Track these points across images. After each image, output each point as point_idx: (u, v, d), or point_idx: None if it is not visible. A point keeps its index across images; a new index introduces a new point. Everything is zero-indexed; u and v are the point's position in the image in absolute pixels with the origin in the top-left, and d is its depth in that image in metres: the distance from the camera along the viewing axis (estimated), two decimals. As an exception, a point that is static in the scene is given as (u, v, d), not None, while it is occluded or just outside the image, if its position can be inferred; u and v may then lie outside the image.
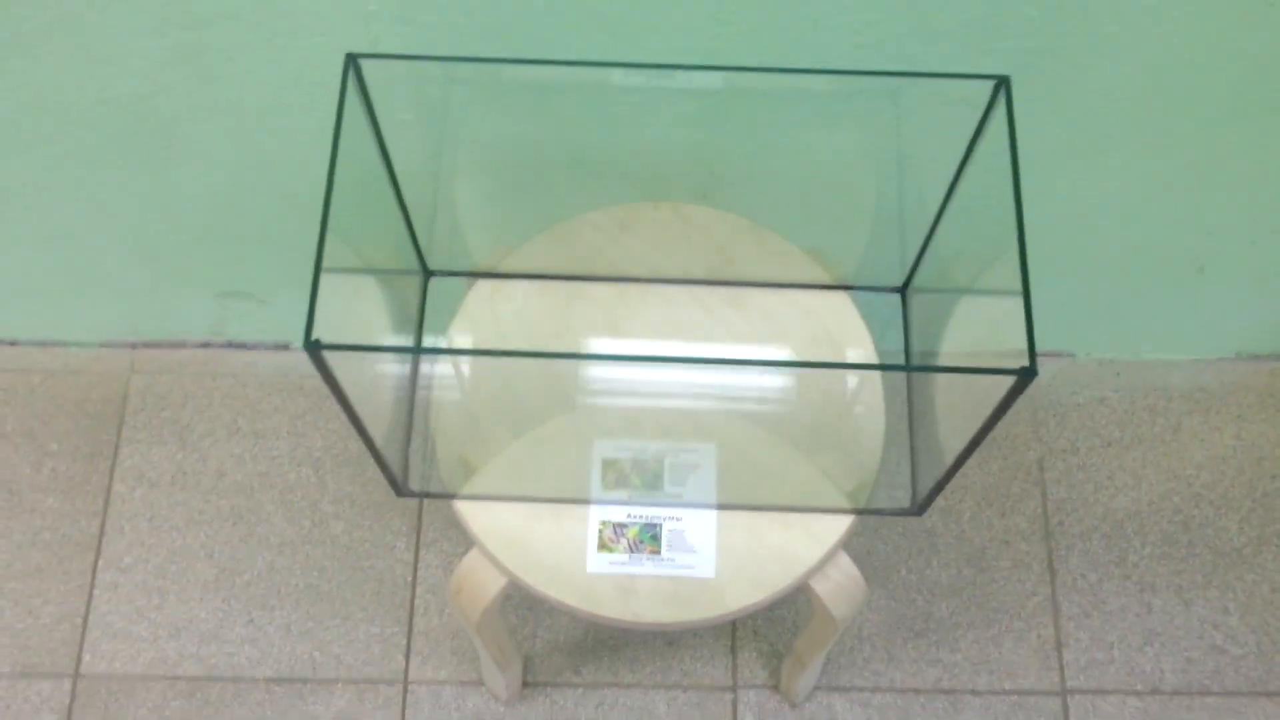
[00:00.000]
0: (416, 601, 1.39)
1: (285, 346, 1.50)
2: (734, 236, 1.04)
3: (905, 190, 1.02)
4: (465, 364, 1.01)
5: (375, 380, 0.91)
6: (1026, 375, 0.69)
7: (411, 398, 0.98)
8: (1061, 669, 1.37)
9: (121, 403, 1.48)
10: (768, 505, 0.94)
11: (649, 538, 0.94)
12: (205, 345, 1.50)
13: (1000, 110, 0.77)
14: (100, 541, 1.41)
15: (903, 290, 1.03)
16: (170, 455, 1.45)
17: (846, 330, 1.01)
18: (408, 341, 1.02)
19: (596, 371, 0.99)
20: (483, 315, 1.02)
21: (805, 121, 1.04)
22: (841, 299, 1.02)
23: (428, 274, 1.04)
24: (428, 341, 1.03)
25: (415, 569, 1.41)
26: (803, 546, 0.94)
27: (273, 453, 1.46)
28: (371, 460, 0.92)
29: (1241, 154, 1.12)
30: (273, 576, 1.40)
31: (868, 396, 0.98)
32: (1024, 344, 0.70)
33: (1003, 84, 0.77)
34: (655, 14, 0.93)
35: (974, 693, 1.36)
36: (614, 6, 0.92)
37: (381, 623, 1.38)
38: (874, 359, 1.00)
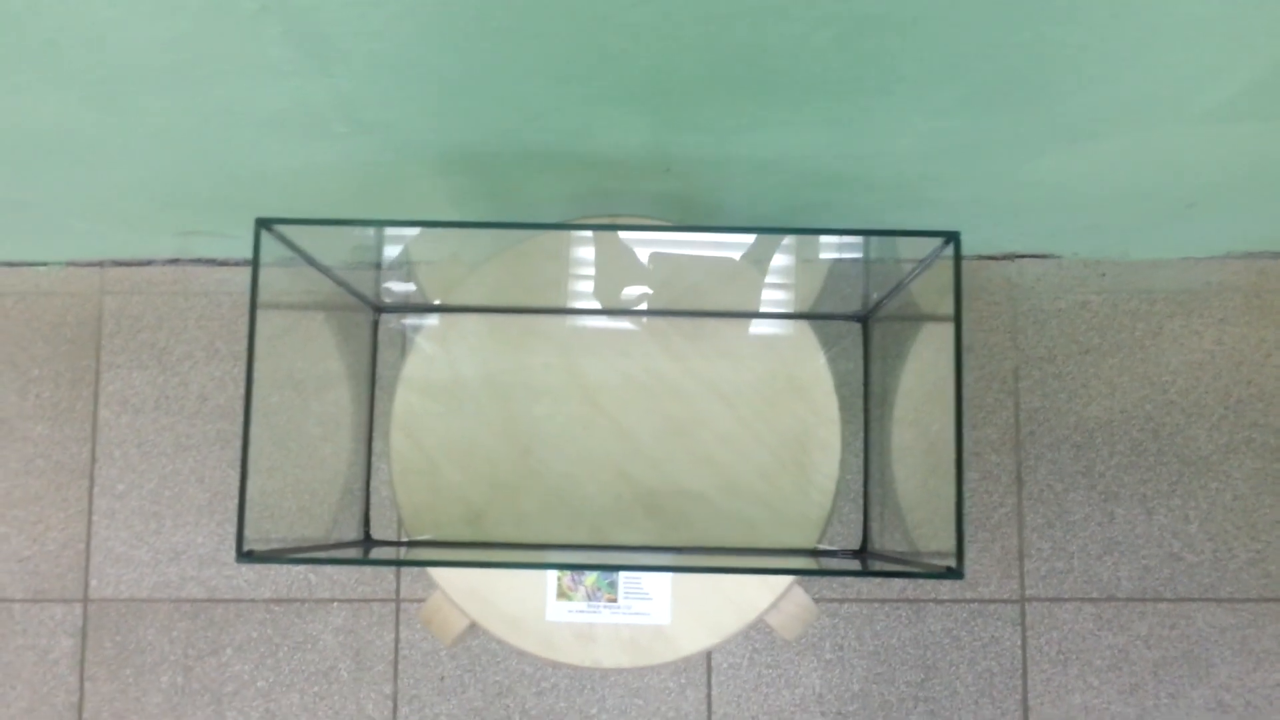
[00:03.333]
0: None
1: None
2: (693, 262, 1.00)
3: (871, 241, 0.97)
4: (420, 411, 1.01)
5: (333, 426, 0.92)
6: (953, 577, 0.69)
7: (369, 442, 0.98)
8: (1022, 577, 1.43)
9: (96, 325, 1.48)
10: (724, 568, 0.96)
11: (606, 585, 0.97)
12: (174, 262, 1.48)
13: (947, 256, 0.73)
14: (93, 469, 1.46)
15: (864, 320, 1.01)
16: (151, 380, 1.47)
17: (804, 360, 0.99)
18: (362, 385, 1.01)
19: (553, 412, 0.98)
20: (435, 354, 1.00)
21: (769, 129, 0.98)
22: (802, 329, 1.00)
23: (377, 311, 1.02)
24: (381, 381, 1.02)
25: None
26: (756, 591, 0.97)
27: (252, 375, 1.47)
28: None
29: (1235, 143, 1.06)
30: (264, 500, 1.44)
31: (824, 435, 0.98)
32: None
33: (951, 239, 0.72)
34: (598, 52, 0.86)
35: (936, 601, 1.43)
36: (550, 59, 0.85)
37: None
38: (831, 391, 0.99)
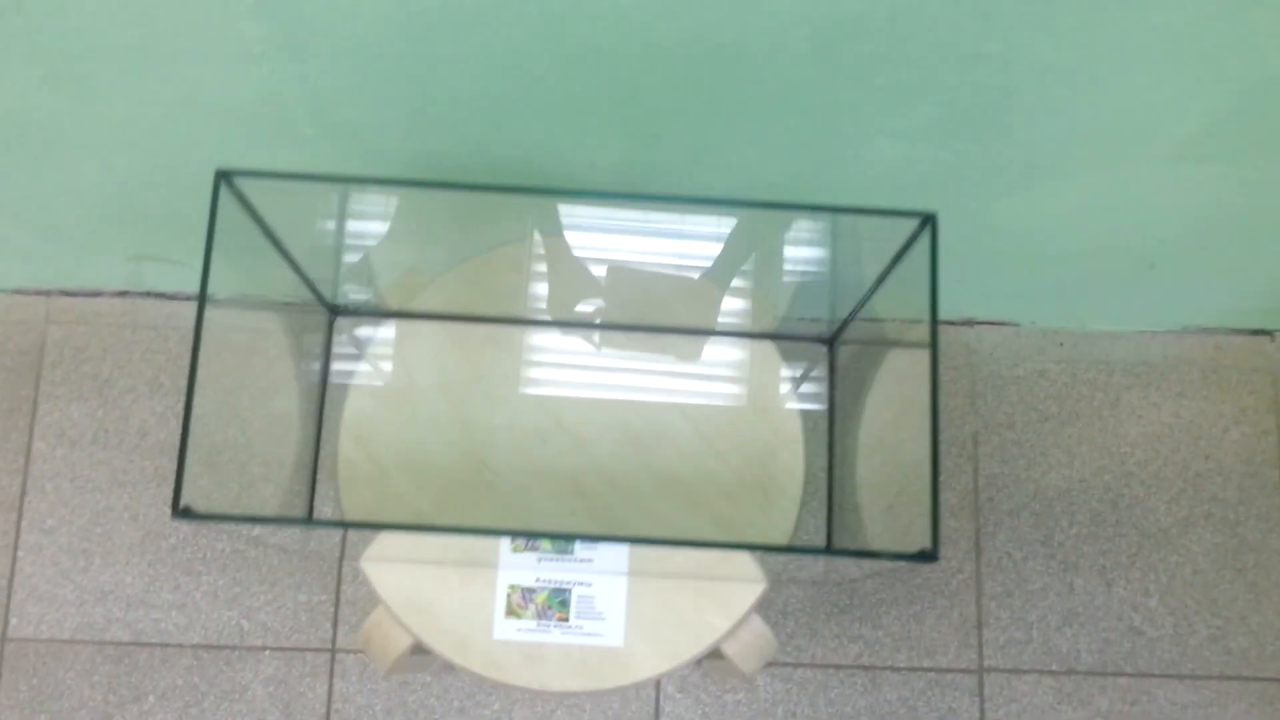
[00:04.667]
0: (345, 569, 1.39)
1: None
2: (658, 279, 0.99)
3: (841, 240, 0.97)
4: (371, 418, 0.98)
5: (282, 416, 0.88)
6: (927, 560, 0.66)
7: (315, 453, 0.95)
8: (980, 647, 1.40)
9: (38, 355, 1.44)
10: (679, 574, 0.93)
11: (558, 603, 0.93)
12: (123, 294, 1.45)
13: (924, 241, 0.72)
14: (22, 502, 1.39)
15: (830, 342, 0.99)
16: (91, 412, 1.42)
17: (769, 381, 0.97)
18: (312, 384, 0.98)
19: (510, 420, 0.95)
20: (390, 362, 0.97)
21: (746, 145, 0.98)
22: (767, 349, 0.98)
23: (333, 312, 0.99)
24: (333, 382, 0.99)
25: (344, 535, 1.40)
26: (713, 614, 0.93)
27: (196, 412, 1.42)
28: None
29: (1190, 182, 1.07)
30: (199, 541, 1.39)
31: (787, 455, 0.96)
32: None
33: (928, 221, 0.71)
34: (575, 73, 0.86)
35: (893, 669, 1.39)
36: (532, 81, 0.85)
37: (309, 590, 1.38)
38: (795, 413, 0.97)
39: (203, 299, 0.69)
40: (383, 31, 0.82)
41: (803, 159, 0.99)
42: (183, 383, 1.43)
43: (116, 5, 0.80)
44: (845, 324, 0.96)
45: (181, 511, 0.64)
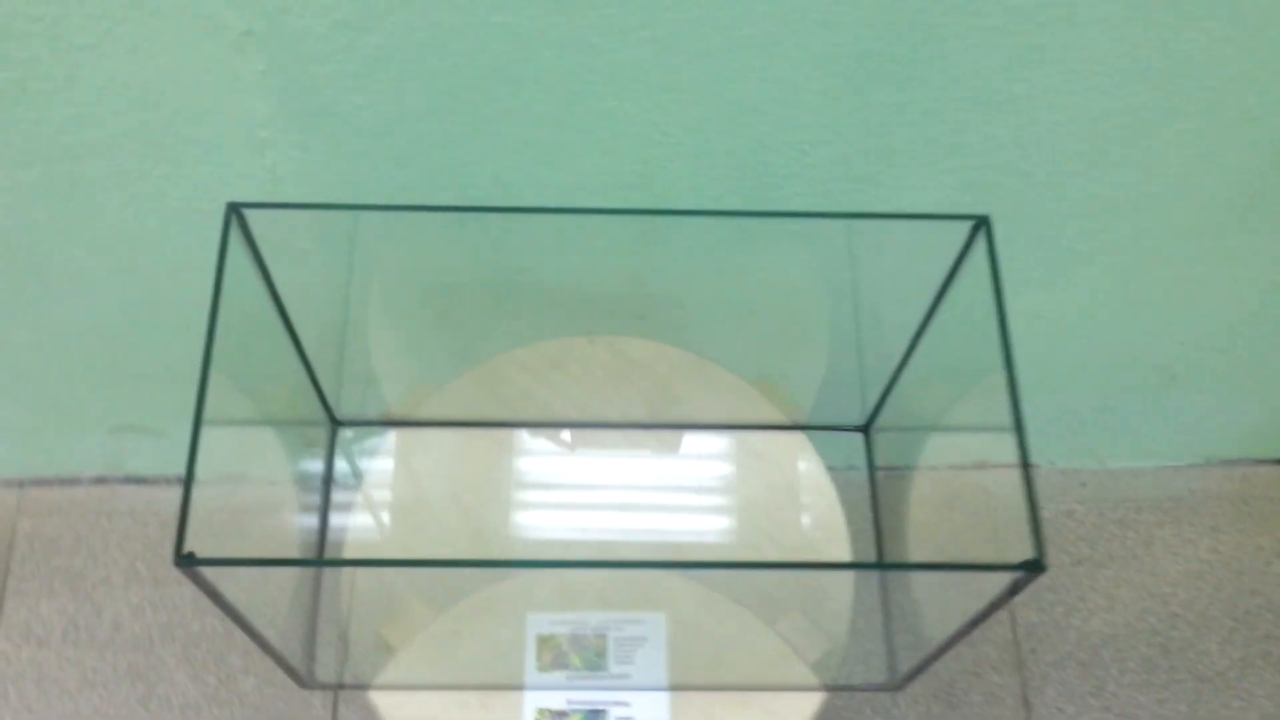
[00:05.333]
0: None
1: (190, 481, 1.37)
2: (677, 372, 0.94)
3: (864, 319, 0.93)
4: (379, 530, 0.90)
5: (275, 550, 0.80)
6: (1032, 570, 0.59)
7: (318, 577, 0.86)
8: (1042, 813, 1.27)
9: (7, 550, 1.34)
10: (726, 685, 0.83)
11: (591, 725, 0.83)
12: (100, 481, 1.37)
13: (979, 249, 0.68)
14: (-20, 709, 1.27)
15: (866, 429, 0.94)
16: (61, 608, 1.31)
17: (805, 477, 0.91)
18: (313, 498, 0.91)
19: (528, 534, 0.88)
20: (397, 470, 0.90)
21: (748, 247, 0.95)
22: (798, 440, 0.92)
23: (335, 424, 0.93)
24: (337, 500, 0.92)
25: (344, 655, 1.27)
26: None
27: (174, 600, 1.32)
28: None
29: (1212, 265, 1.05)
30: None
31: (832, 554, 0.88)
32: (1025, 531, 0.60)
33: (982, 224, 0.68)
34: (583, 138, 0.84)
35: (950, 844, 1.25)
36: (539, 131, 0.83)
37: (299, 787, 1.24)
38: (838, 508, 0.90)
39: (212, 327, 0.63)
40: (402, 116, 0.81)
41: (814, 257, 0.96)
42: (162, 571, 1.33)
43: (121, 84, 0.78)
44: (880, 406, 0.91)
45: (185, 558, 0.56)
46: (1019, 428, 0.63)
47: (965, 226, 0.70)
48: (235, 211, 0.65)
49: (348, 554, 0.88)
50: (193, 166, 0.86)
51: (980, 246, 0.68)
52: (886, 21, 0.75)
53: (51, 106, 0.80)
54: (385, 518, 0.89)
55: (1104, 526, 1.41)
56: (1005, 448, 0.80)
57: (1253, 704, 1.32)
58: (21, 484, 1.37)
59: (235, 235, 0.68)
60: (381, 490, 0.90)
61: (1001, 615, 1.35)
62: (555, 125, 0.82)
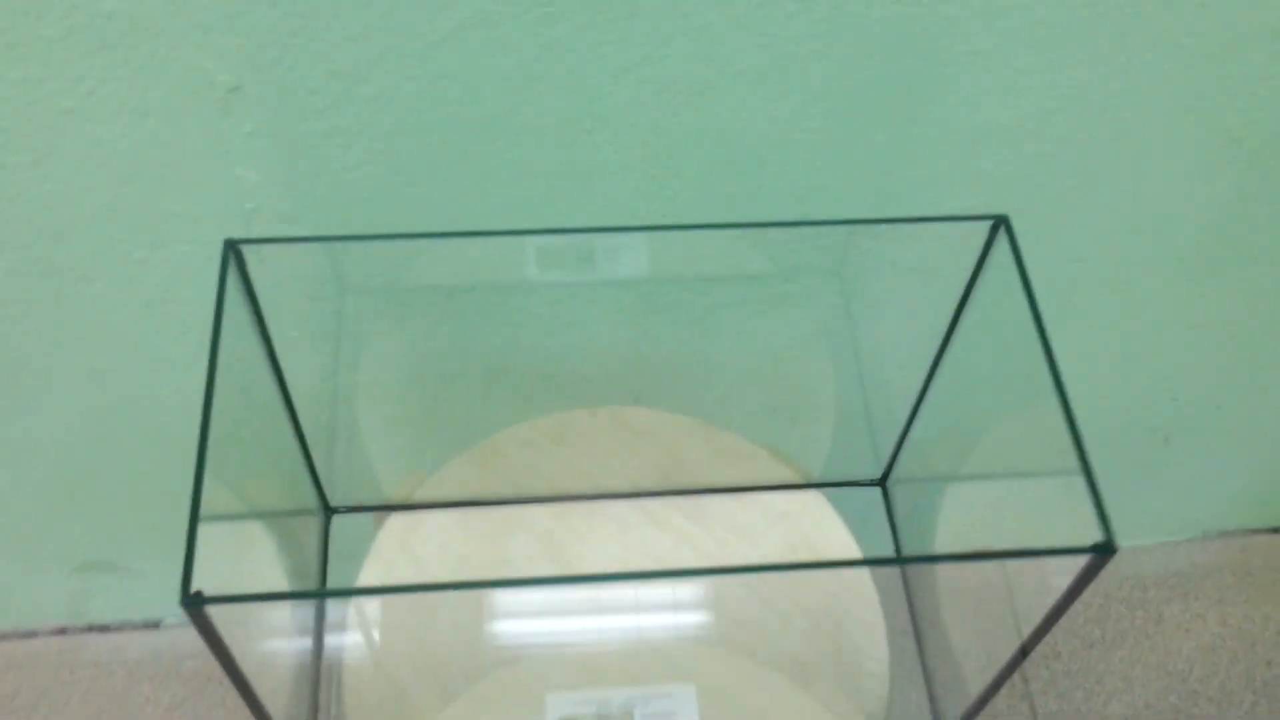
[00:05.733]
0: None
1: (156, 624, 1.29)
2: (684, 439, 0.91)
3: (868, 370, 0.91)
4: (379, 621, 0.84)
5: (271, 651, 0.73)
6: (1103, 552, 0.56)
7: (317, 667, 0.80)
8: None
9: (-42, 711, 1.25)
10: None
11: (626, 811, 0.76)
12: (62, 632, 1.28)
13: (999, 253, 0.67)
14: None
15: (883, 483, 0.91)
16: (17, 770, 1.21)
17: (826, 533, 0.87)
18: (305, 598, 0.85)
19: (542, 609, 0.83)
20: (397, 557, 0.85)
21: (746, 306, 0.93)
22: (815, 499, 0.89)
23: (329, 512, 0.88)
24: (333, 602, 0.86)
25: None
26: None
27: (144, 754, 1.23)
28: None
29: (1203, 313, 1.05)
30: None
31: (862, 612, 0.84)
32: (1089, 519, 0.57)
33: (1000, 224, 0.67)
34: (580, 189, 0.82)
35: None
36: (533, 183, 0.81)
37: None
38: (864, 569, 0.86)
39: (213, 368, 0.59)
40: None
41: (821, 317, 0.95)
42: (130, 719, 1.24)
43: (104, 153, 0.75)
44: (895, 457, 0.88)
45: (193, 598, 0.51)
46: (1064, 402, 0.60)
47: (979, 237, 0.68)
48: (233, 250, 0.62)
49: (350, 650, 0.82)
50: (173, 246, 0.83)
51: (999, 252, 0.67)
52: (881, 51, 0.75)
53: (28, 182, 0.77)
54: (387, 604, 0.83)
55: (1111, 607, 1.37)
56: (1029, 491, 0.78)
57: (1287, 779, 1.27)
58: (-26, 639, 1.28)
59: (233, 282, 0.64)
60: (381, 578, 0.84)
61: (1018, 705, 1.29)
62: (551, 177, 0.81)
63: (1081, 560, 0.57)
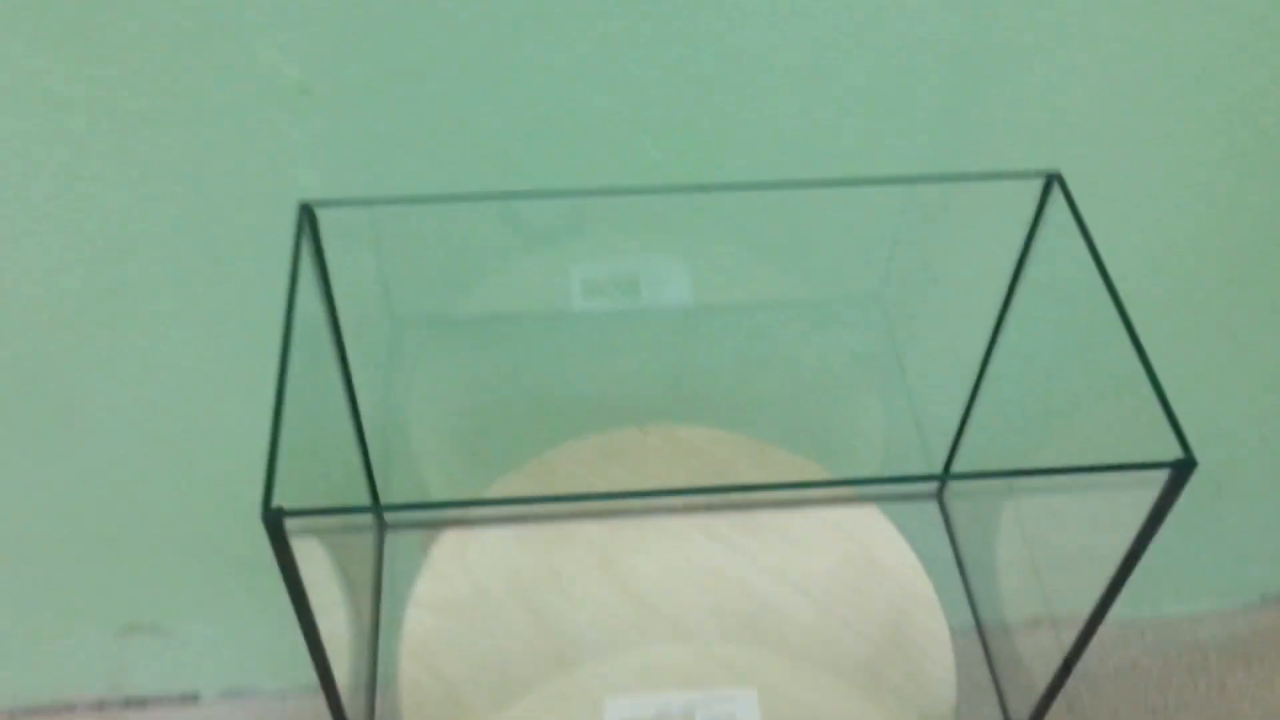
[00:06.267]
0: None
1: (194, 698, 1.27)
2: (735, 456, 0.91)
3: (915, 383, 0.91)
4: (435, 623, 0.83)
5: (336, 637, 0.73)
6: (1183, 467, 0.55)
7: (373, 660, 0.79)
8: None
9: (-10, 787, 1.22)
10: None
11: (691, 810, 0.74)
12: (99, 707, 1.26)
13: (1055, 208, 0.68)
14: None
15: (938, 494, 0.90)
16: (50, 847, 1.18)
17: (882, 542, 0.86)
18: (362, 608, 0.84)
19: (599, 613, 0.81)
20: (452, 571, 0.85)
21: (788, 328, 0.94)
22: (869, 512, 0.88)
23: (384, 528, 0.87)
24: (388, 615, 0.85)
25: None
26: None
27: (180, 830, 1.19)
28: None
29: (1246, 349, 1.05)
30: None
31: (924, 617, 0.82)
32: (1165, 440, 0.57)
33: (1054, 180, 0.68)
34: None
35: None
36: (586, 168, 0.83)
37: None
38: (920, 570, 0.84)
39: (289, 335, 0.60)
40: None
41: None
42: (164, 797, 1.21)
43: (174, 160, 0.78)
44: (950, 463, 0.87)
45: (274, 512, 0.51)
46: (1129, 326, 0.60)
47: (1026, 209, 0.70)
48: (307, 212, 0.64)
49: (405, 660, 0.81)
50: (234, 263, 0.85)
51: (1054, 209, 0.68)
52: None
53: (100, 192, 0.79)
54: (444, 616, 0.82)
55: (1172, 675, 1.33)
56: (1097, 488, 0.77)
57: None
58: (12, 714, 1.26)
59: (306, 248, 0.66)
60: (436, 589, 0.83)
61: (1084, 775, 1.25)
62: (608, 174, 0.83)
63: (1161, 479, 0.56)
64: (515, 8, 0.72)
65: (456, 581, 0.84)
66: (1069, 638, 0.73)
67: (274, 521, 0.51)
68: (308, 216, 0.65)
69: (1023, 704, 0.79)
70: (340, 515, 0.58)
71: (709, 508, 0.88)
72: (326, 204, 0.66)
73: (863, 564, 0.85)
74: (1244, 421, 1.13)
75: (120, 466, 1.00)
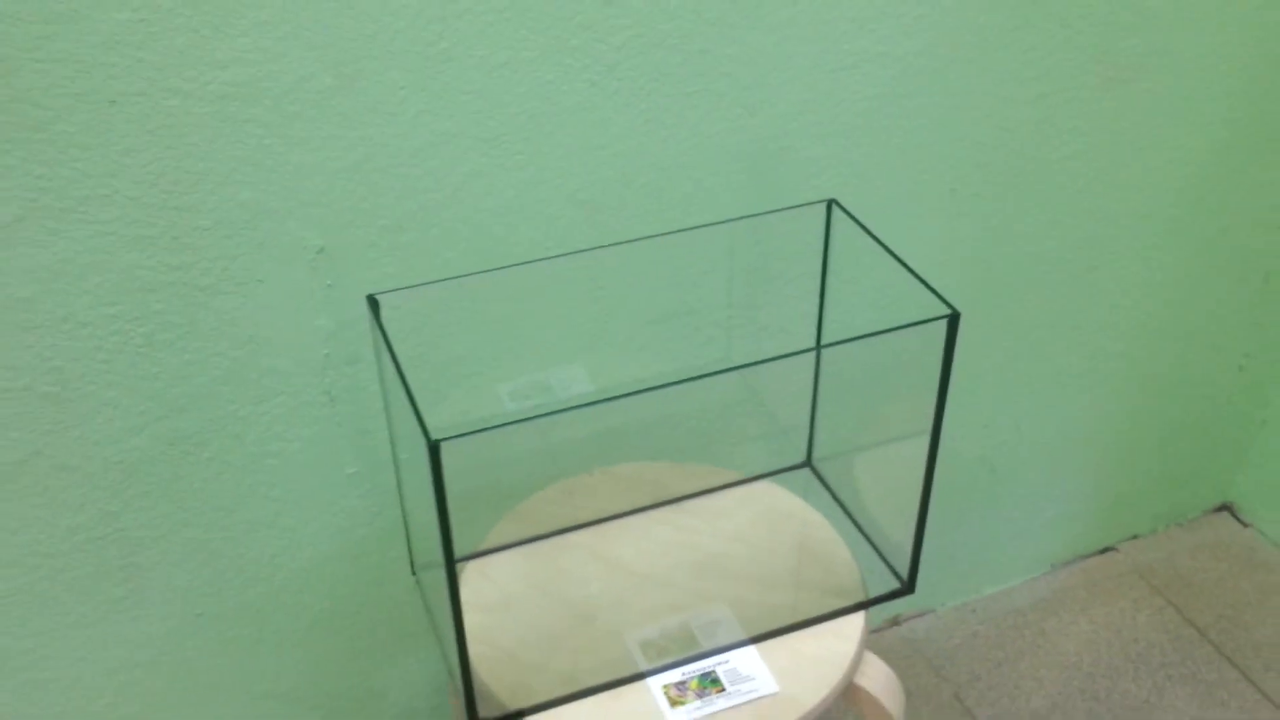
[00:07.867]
0: None
1: None
2: (665, 473, 1.22)
3: (769, 383, 1.26)
4: (485, 624, 1.08)
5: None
6: (953, 319, 0.92)
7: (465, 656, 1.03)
8: None
9: None
10: (789, 626, 1.05)
11: (709, 683, 1.01)
12: None
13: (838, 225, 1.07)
14: None
15: (809, 463, 1.24)
16: None
17: (780, 499, 1.19)
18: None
19: (603, 586, 1.10)
20: (484, 586, 1.11)
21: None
22: (767, 485, 1.21)
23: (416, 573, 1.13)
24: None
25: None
26: (836, 644, 1.04)
27: None
28: None
29: (1006, 352, 1.47)
30: None
31: (820, 533, 1.15)
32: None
33: (831, 204, 1.07)
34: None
35: None
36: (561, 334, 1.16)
37: None
38: (810, 508, 1.17)
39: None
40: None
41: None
42: None
43: (228, 322, 1.05)
44: (811, 444, 1.22)
45: (435, 443, 0.79)
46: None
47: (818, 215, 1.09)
48: (372, 303, 0.95)
49: (471, 645, 1.06)
50: (264, 403, 1.11)
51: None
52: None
53: (167, 358, 1.05)
54: (487, 614, 1.08)
55: (1005, 633, 1.68)
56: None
57: (1178, 714, 1.57)
58: None
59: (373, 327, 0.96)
60: (479, 598, 1.09)
61: (964, 718, 1.56)
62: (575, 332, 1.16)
63: (942, 329, 0.92)
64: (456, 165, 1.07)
65: (489, 592, 1.11)
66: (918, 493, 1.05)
67: (434, 449, 0.80)
68: (372, 307, 0.95)
69: (902, 562, 1.11)
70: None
71: (658, 505, 1.19)
72: (389, 292, 0.96)
73: (771, 515, 1.18)
74: (1004, 413, 1.54)
75: (167, 617, 1.19)
